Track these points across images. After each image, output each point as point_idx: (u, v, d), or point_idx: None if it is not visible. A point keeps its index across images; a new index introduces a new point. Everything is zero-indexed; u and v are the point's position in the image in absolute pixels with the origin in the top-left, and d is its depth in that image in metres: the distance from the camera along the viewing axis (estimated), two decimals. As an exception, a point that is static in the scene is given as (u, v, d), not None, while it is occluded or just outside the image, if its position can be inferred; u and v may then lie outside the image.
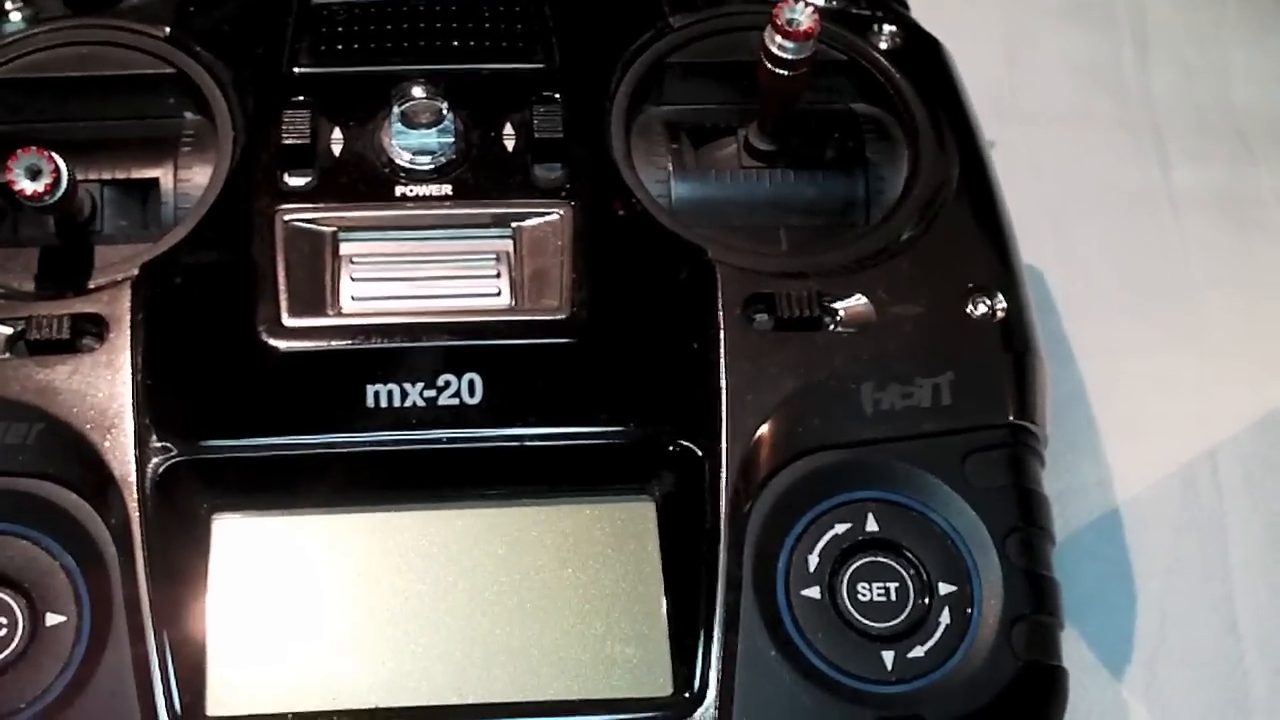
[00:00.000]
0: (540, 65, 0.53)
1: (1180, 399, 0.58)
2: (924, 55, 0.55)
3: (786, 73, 0.50)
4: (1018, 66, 0.68)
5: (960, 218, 0.51)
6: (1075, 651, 0.52)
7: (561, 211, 0.49)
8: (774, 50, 0.50)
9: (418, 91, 0.50)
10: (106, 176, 0.51)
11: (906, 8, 0.58)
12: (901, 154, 0.53)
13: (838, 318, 0.48)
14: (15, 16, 0.54)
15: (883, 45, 0.55)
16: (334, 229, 0.49)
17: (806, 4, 0.49)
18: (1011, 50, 0.69)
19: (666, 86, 0.54)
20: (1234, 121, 0.67)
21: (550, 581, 0.44)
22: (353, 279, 0.48)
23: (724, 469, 0.45)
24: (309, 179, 0.50)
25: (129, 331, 0.47)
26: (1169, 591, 0.54)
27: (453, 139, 0.50)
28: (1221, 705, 0.52)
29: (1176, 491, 0.56)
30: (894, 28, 0.55)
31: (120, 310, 0.47)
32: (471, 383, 0.46)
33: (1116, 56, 0.69)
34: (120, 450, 0.45)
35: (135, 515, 0.45)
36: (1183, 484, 0.56)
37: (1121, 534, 0.55)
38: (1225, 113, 0.68)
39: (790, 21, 0.49)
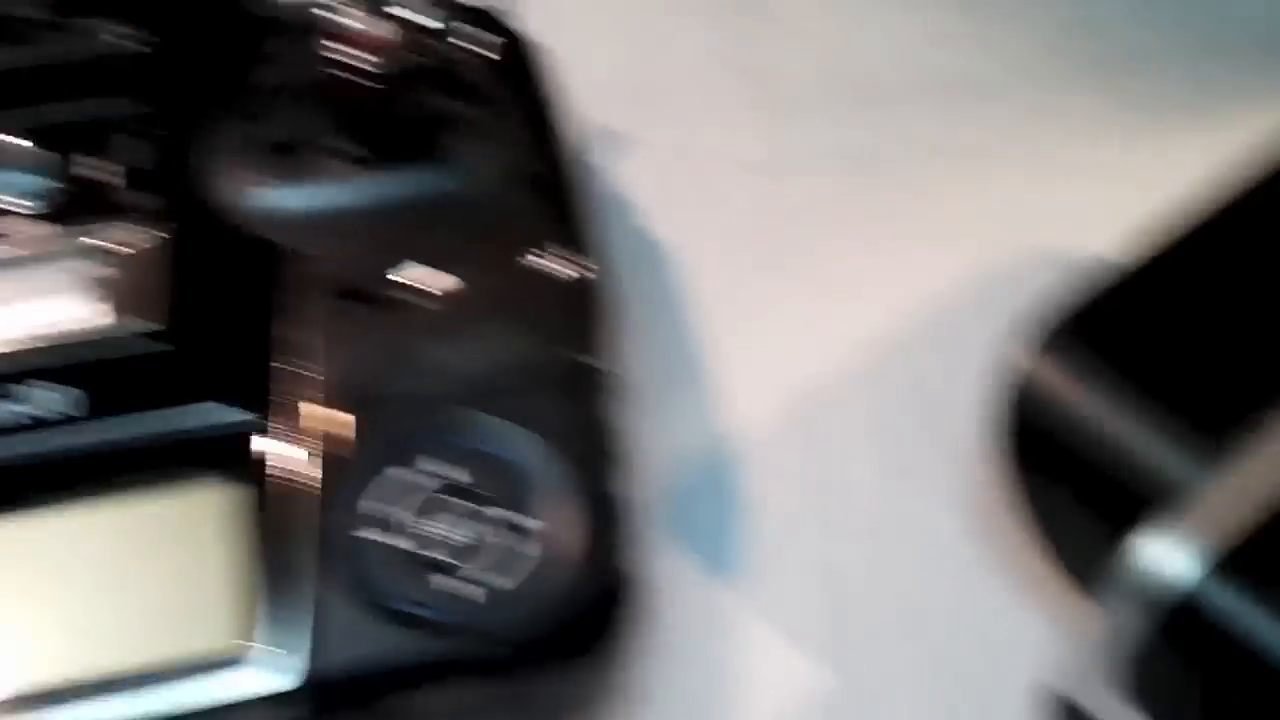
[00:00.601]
0: (137, 98, 0.56)
1: (795, 342, 0.62)
2: (509, 53, 0.59)
3: (366, 79, 0.54)
4: (644, 59, 0.72)
5: (539, 193, 0.55)
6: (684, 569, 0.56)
7: (158, 234, 0.53)
8: (350, 59, 0.54)
9: (7, 135, 0.53)
10: None
11: (507, 14, 0.62)
12: (487, 146, 0.56)
13: (411, 290, 0.52)
14: None
15: (469, 46, 0.59)
16: (-63, 276, 0.52)
17: (379, 11, 0.53)
18: (636, 44, 0.72)
19: (263, 106, 0.57)
20: (864, 86, 0.71)
21: (143, 570, 0.47)
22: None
23: (304, 446, 0.49)
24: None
25: None
26: (775, 508, 0.57)
27: (49, 178, 0.53)
28: (820, 604, 0.55)
29: (794, 429, 0.60)
30: (479, 29, 0.59)
31: None
32: (68, 397, 0.49)
33: (740, 36, 0.73)
34: None
35: None
36: (803, 423, 0.60)
37: (737, 466, 0.58)
38: (856, 78, 0.72)
39: (360, 31, 0.53)
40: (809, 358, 0.61)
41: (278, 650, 0.46)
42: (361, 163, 0.56)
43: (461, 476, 0.48)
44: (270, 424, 0.49)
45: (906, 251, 0.65)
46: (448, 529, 0.48)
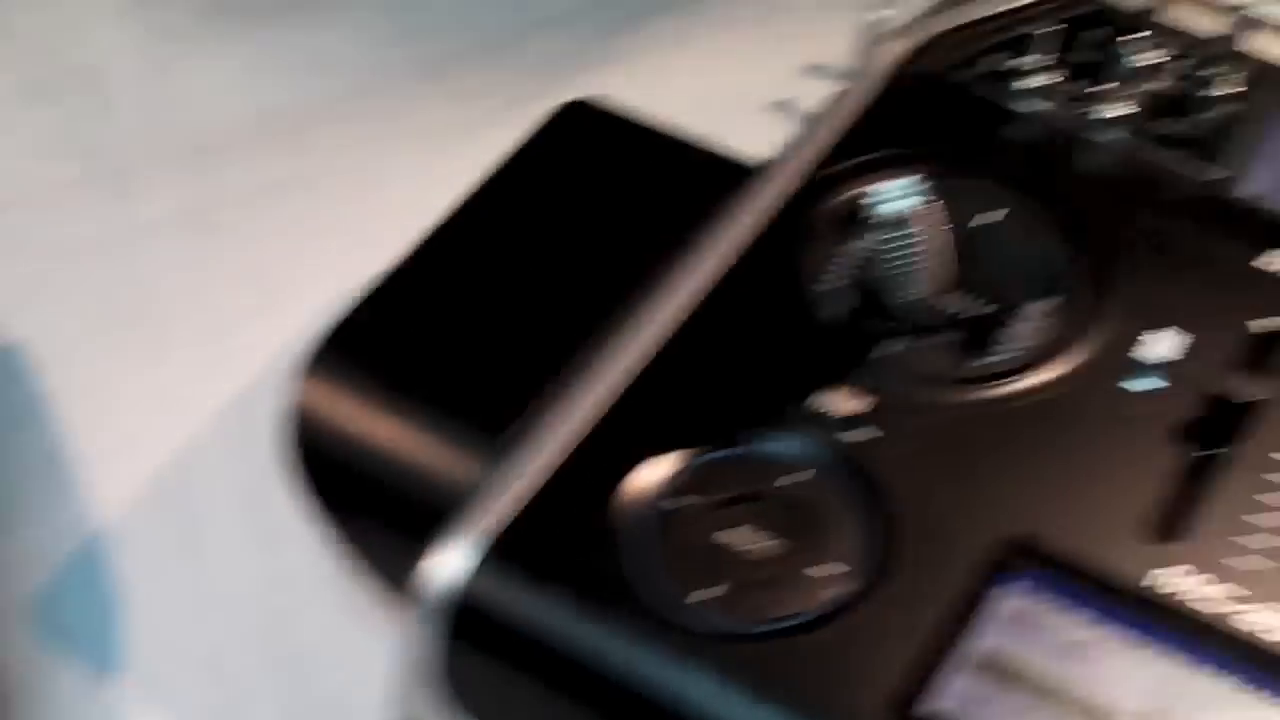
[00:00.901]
0: None
1: (154, 420, 0.61)
2: None
3: None
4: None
5: None
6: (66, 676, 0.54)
7: None
8: None
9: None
10: None
11: None
12: None
13: None
14: None
15: None
16: None
17: None
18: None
19: None
20: (194, 140, 0.71)
21: None
22: None
23: None
24: None
25: None
26: (151, 593, 0.56)
27: None
28: (204, 680, 0.55)
29: (162, 509, 0.58)
30: None
31: None
32: None
33: (75, 118, 0.72)
34: None
35: None
36: (164, 495, 0.59)
37: (111, 557, 0.57)
38: (186, 134, 0.71)
39: None
40: (169, 433, 0.60)
41: None
42: None
43: None
44: None
45: (247, 299, 0.64)
46: None
